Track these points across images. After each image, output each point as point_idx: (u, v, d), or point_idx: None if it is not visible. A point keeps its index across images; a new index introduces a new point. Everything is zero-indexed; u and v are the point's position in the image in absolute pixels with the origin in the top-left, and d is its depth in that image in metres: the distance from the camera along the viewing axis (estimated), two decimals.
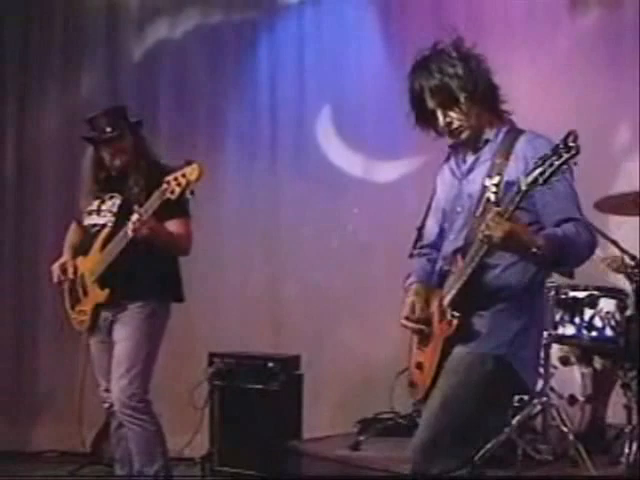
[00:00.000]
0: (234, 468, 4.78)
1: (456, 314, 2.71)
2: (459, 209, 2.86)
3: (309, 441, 4.84)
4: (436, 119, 2.83)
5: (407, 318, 2.87)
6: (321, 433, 4.97)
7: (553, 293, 4.19)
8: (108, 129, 3.96)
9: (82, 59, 6.03)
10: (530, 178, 2.49)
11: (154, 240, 3.80)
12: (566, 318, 4.20)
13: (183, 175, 3.66)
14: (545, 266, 2.74)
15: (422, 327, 2.84)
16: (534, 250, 2.57)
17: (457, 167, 2.93)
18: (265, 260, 5.73)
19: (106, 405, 4.09)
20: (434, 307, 2.82)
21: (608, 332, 4.12)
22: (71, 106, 6.00)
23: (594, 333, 4.15)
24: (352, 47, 5.58)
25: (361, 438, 4.56)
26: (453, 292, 2.73)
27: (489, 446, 3.90)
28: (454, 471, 2.66)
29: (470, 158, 2.88)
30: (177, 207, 3.83)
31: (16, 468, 5.28)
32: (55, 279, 4.14)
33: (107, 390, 4.04)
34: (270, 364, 4.85)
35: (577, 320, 4.17)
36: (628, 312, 4.15)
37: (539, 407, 4.07)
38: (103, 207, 4.03)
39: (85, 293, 4.04)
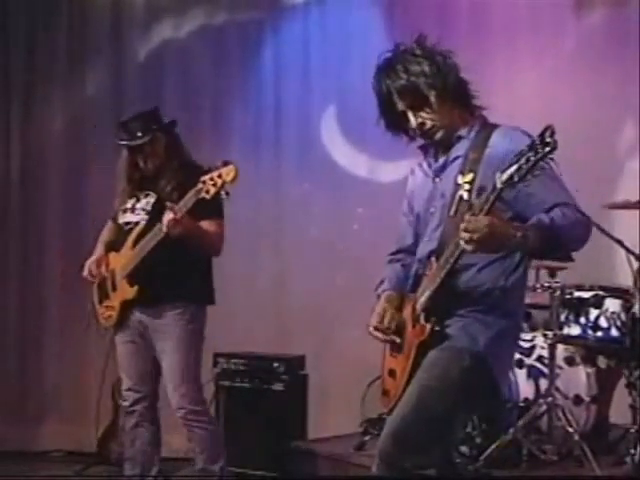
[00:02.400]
0: (239, 468, 4.77)
1: (430, 318, 2.63)
2: (432, 209, 2.78)
3: (314, 441, 4.84)
4: (407, 121, 2.75)
5: (376, 328, 2.79)
6: (326, 433, 4.98)
7: (558, 293, 4.19)
8: (139, 134, 3.97)
9: (87, 59, 6.04)
10: (505, 175, 2.38)
11: (188, 238, 3.80)
12: (571, 318, 4.19)
13: (219, 175, 3.67)
14: (539, 254, 2.61)
15: (392, 338, 2.75)
16: (519, 235, 2.45)
17: (429, 167, 2.84)
18: (270, 260, 5.73)
19: (126, 403, 4.11)
20: (407, 313, 2.74)
21: (614, 332, 4.11)
22: (76, 106, 6.02)
23: (599, 333, 4.13)
24: (356, 48, 5.58)
25: (366, 438, 4.56)
26: (426, 296, 2.65)
27: (494, 446, 3.94)
28: (424, 468, 2.55)
29: (442, 156, 2.80)
30: (212, 207, 3.85)
31: (22, 468, 5.30)
32: (86, 273, 4.14)
33: (130, 389, 4.07)
34: (275, 364, 4.87)
35: (582, 320, 4.17)
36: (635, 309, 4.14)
37: (544, 407, 4.06)
38: (138, 205, 4.05)
39: (114, 289, 4.05)
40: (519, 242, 2.47)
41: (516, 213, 2.61)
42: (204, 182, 3.68)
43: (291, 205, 5.69)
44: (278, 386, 4.82)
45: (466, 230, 2.42)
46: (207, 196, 3.68)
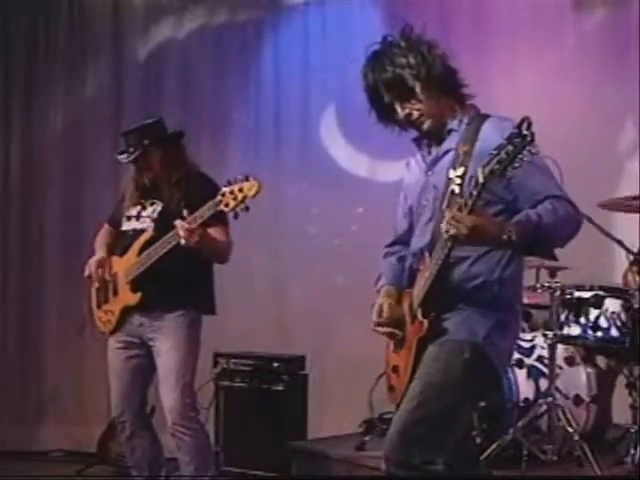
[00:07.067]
0: (239, 468, 4.78)
1: (427, 314, 2.64)
2: (425, 202, 2.78)
3: (314, 441, 4.84)
4: (396, 113, 2.77)
5: (377, 323, 2.79)
6: (326, 433, 4.97)
7: (558, 293, 4.18)
8: (131, 149, 3.95)
9: (87, 59, 6.05)
10: (487, 169, 2.38)
11: (201, 248, 3.74)
12: (571, 318, 4.18)
13: (240, 189, 3.58)
14: (523, 251, 2.62)
15: (393, 330, 2.76)
16: (505, 238, 2.47)
17: (422, 160, 2.85)
18: (269, 260, 5.73)
19: (115, 413, 4.05)
20: (405, 308, 2.75)
21: (614, 332, 4.10)
22: (76, 107, 6.02)
23: (599, 333, 4.13)
24: (356, 47, 5.56)
25: (366, 438, 4.56)
26: (423, 292, 2.66)
27: (494, 446, 3.94)
28: (432, 462, 2.55)
29: (435, 149, 2.81)
30: (216, 214, 3.75)
31: (22, 467, 5.30)
32: (87, 273, 4.07)
33: (117, 396, 4.00)
34: (275, 364, 4.87)
35: (582, 320, 4.16)
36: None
37: (544, 407, 4.06)
38: (143, 213, 4.00)
39: (115, 293, 4.00)
40: (504, 242, 2.50)
41: (507, 204, 2.63)
42: (224, 194, 3.60)
43: (290, 205, 5.69)
44: (278, 386, 4.82)
45: (449, 226, 2.45)
46: (226, 209, 3.60)
